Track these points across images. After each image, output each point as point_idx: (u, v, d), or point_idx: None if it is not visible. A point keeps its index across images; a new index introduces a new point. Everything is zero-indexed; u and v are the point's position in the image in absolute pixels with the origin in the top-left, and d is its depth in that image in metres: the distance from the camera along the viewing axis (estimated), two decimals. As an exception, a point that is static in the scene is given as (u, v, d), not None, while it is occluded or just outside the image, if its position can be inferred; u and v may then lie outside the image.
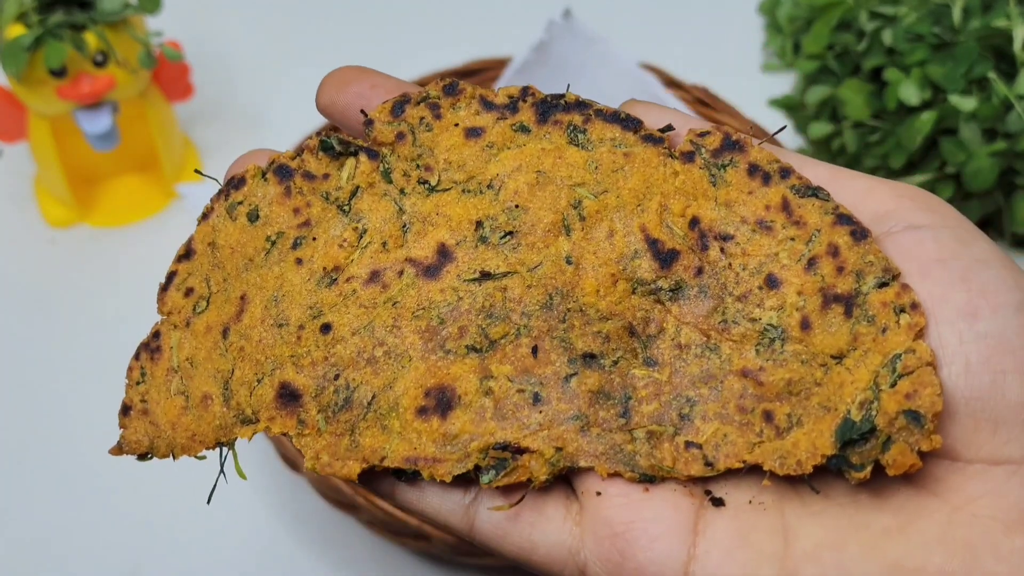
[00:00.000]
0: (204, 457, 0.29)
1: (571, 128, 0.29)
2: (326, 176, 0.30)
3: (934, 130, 0.62)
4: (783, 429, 0.26)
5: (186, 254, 0.30)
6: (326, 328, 0.28)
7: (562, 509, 0.27)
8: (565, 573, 0.27)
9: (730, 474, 0.27)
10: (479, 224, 0.29)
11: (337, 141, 0.30)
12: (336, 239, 0.29)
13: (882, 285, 0.26)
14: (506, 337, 0.28)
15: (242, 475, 0.31)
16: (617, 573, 0.26)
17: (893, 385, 0.25)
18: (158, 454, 0.29)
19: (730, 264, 0.28)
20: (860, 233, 0.27)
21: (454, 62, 0.69)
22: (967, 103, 0.60)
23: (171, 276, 0.30)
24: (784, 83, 0.74)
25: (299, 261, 0.29)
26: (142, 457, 0.29)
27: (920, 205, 0.27)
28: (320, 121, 0.66)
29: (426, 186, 0.29)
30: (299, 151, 0.30)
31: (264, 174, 0.30)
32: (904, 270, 0.26)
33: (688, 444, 0.27)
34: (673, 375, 0.28)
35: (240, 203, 0.30)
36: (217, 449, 0.29)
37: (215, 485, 0.30)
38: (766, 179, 0.28)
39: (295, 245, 0.29)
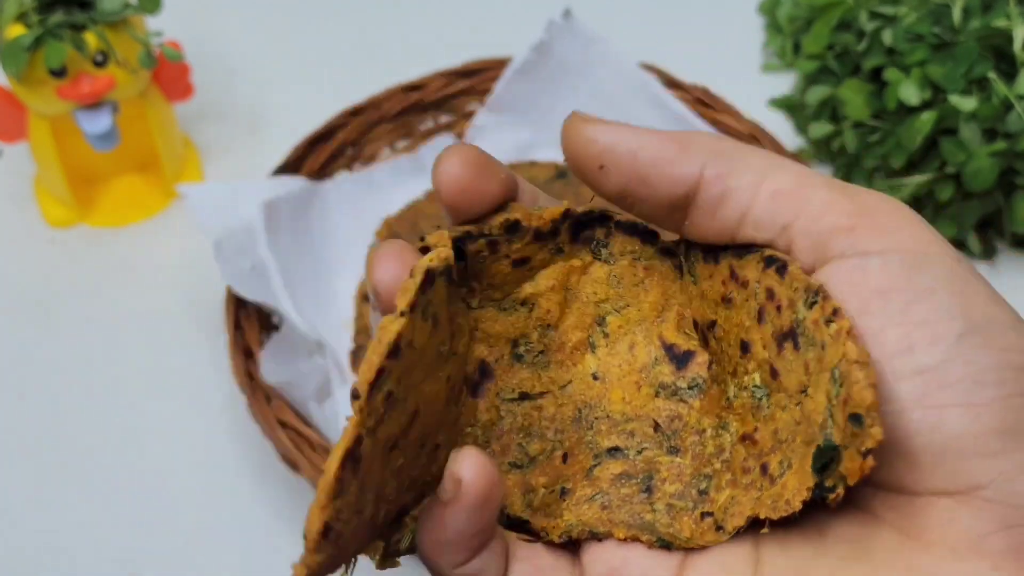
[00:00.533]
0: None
1: (595, 244, 0.29)
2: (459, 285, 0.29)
3: (934, 130, 0.62)
4: (776, 476, 0.27)
5: (394, 351, 0.25)
6: (436, 448, 0.28)
7: (568, 566, 0.28)
8: None
9: (737, 535, 0.28)
10: (515, 344, 0.29)
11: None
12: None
13: (811, 305, 0.26)
14: (543, 454, 0.29)
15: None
16: None
17: (837, 395, 0.25)
18: (333, 567, 0.26)
19: (721, 348, 0.29)
20: (782, 267, 0.26)
21: (454, 62, 0.69)
22: (967, 103, 0.61)
23: (380, 373, 0.25)
24: (784, 83, 0.74)
25: (446, 377, 0.27)
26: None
27: (876, 225, 0.26)
28: (319, 122, 0.66)
29: (464, 304, 0.29)
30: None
31: (438, 277, 0.27)
32: (848, 302, 0.25)
33: (704, 514, 0.28)
34: (694, 459, 0.28)
35: (430, 303, 0.26)
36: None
37: None
38: (716, 258, 0.28)
39: (450, 358, 0.28)
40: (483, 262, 0.29)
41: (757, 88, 0.74)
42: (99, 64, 0.60)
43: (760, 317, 0.27)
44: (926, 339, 0.25)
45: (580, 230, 0.29)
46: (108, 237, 0.68)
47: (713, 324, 0.29)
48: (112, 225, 0.68)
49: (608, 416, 0.29)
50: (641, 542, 0.28)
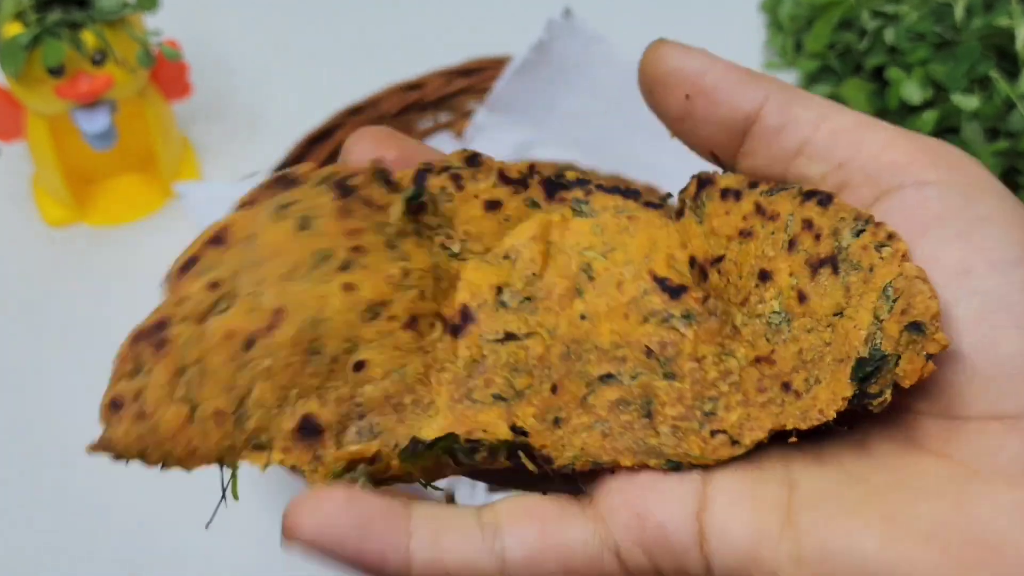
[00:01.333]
0: (192, 471, 0.27)
1: (575, 202, 0.30)
2: (381, 208, 0.29)
3: (936, 129, 0.62)
4: (802, 392, 0.27)
5: (217, 239, 0.27)
6: (360, 366, 0.27)
7: (576, 506, 0.27)
8: (605, 568, 0.26)
9: (758, 449, 0.27)
10: (499, 290, 0.29)
11: (387, 176, 0.29)
12: (384, 273, 0.28)
13: (859, 233, 0.26)
14: (530, 387, 0.28)
15: (235, 496, 0.29)
16: (642, 539, 0.26)
17: (891, 310, 0.25)
18: (148, 461, 0.27)
19: (728, 280, 0.28)
20: (825, 199, 0.27)
21: (453, 61, 0.69)
22: (969, 102, 0.60)
23: (193, 260, 0.26)
24: (785, 82, 0.74)
25: (347, 287, 0.27)
26: (119, 458, 0.27)
27: (934, 160, 0.27)
28: (318, 121, 0.65)
29: (447, 252, 0.29)
30: (352, 172, 0.28)
31: (322, 182, 0.28)
32: (904, 229, 0.26)
33: (714, 432, 0.27)
34: (694, 384, 0.28)
35: (290, 205, 0.27)
36: (217, 468, 0.27)
37: (216, 509, 0.29)
38: (737, 196, 0.29)
39: (344, 267, 0.27)
40: (452, 201, 0.29)
41: (758, 87, 0.73)
42: (97, 63, 0.59)
43: (791, 246, 0.28)
44: (984, 263, 0.25)
45: (555, 190, 0.30)
46: (106, 236, 0.68)
47: (720, 259, 0.29)
48: (110, 224, 0.68)
49: (597, 347, 0.28)
50: (649, 467, 0.27)
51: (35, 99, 0.61)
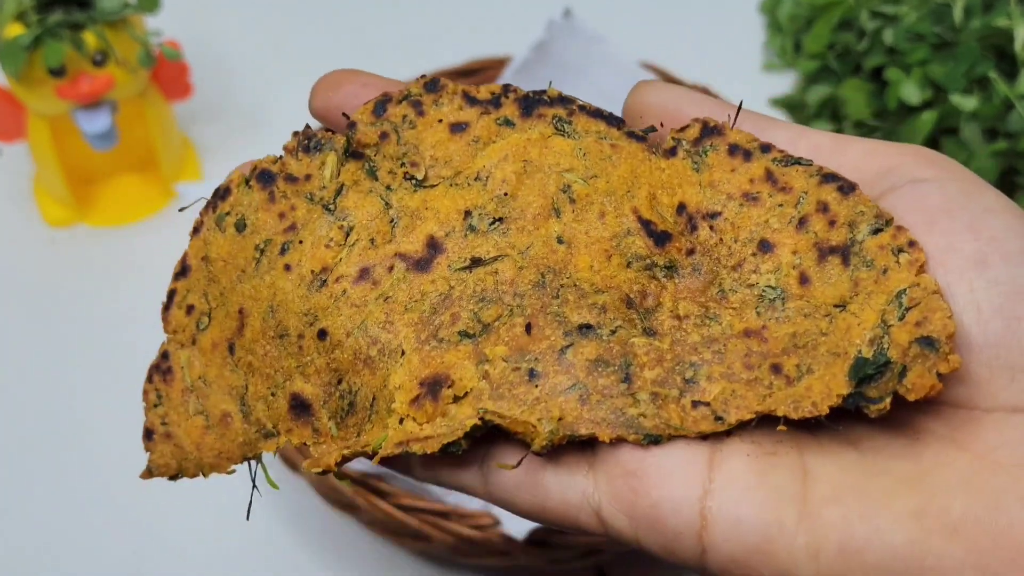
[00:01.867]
0: (234, 471, 0.29)
1: (556, 120, 0.29)
2: (308, 177, 0.29)
3: (935, 130, 0.62)
4: (793, 378, 0.26)
5: (182, 271, 0.30)
6: (323, 334, 0.28)
7: (576, 457, 0.27)
8: (580, 519, 0.26)
9: (743, 429, 0.26)
10: (467, 214, 0.28)
11: (314, 136, 0.29)
12: (323, 240, 0.28)
13: (876, 231, 0.26)
14: (499, 319, 0.27)
15: (273, 485, 0.30)
16: (631, 512, 0.26)
17: (902, 318, 0.25)
18: (187, 474, 0.29)
19: (721, 239, 0.28)
20: (847, 187, 0.27)
21: (454, 62, 0.69)
22: (968, 103, 0.60)
23: (171, 295, 0.30)
24: (785, 82, 0.74)
25: (288, 267, 0.28)
26: (173, 478, 0.29)
27: (924, 160, 0.27)
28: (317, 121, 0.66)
29: (412, 182, 0.29)
30: (271, 159, 0.30)
31: (248, 181, 0.30)
32: (909, 222, 0.26)
33: (695, 403, 0.27)
34: (674, 344, 0.27)
35: (227, 214, 0.30)
36: (245, 464, 0.29)
37: (251, 500, 0.30)
38: (747, 156, 0.28)
39: (283, 251, 0.29)
40: (414, 128, 0.29)
41: (758, 87, 0.74)
42: (98, 63, 0.59)
43: (801, 225, 0.27)
44: (998, 254, 0.25)
45: (533, 107, 0.29)
46: (107, 236, 0.68)
47: (716, 215, 0.28)
48: (111, 224, 0.68)
49: (576, 285, 0.28)
50: (627, 442, 0.26)
51: (36, 100, 0.61)
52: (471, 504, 0.53)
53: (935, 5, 0.65)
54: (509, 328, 0.27)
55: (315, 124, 0.32)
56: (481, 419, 0.26)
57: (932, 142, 0.62)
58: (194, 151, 0.71)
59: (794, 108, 0.72)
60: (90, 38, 0.59)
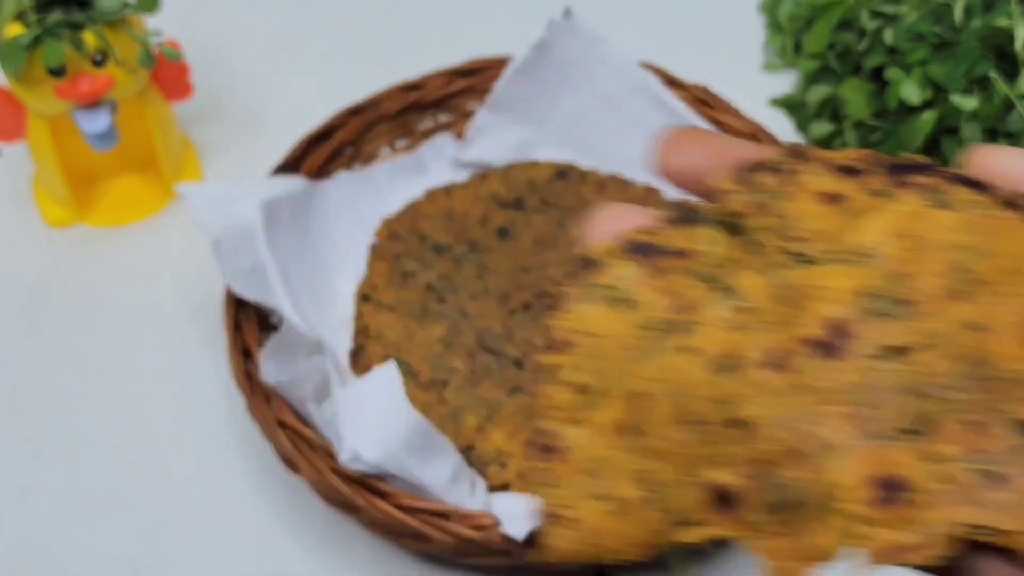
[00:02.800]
0: (642, 559, 0.28)
1: (927, 190, 0.27)
2: (690, 252, 0.27)
3: (935, 129, 0.62)
4: None
5: (561, 345, 0.27)
6: (739, 423, 0.26)
7: None
8: None
9: None
10: (862, 294, 0.26)
11: (690, 208, 0.27)
12: (722, 320, 0.26)
13: None
14: (936, 415, 0.25)
15: None
16: None
17: None
18: (585, 559, 0.27)
19: None
20: None
21: (454, 61, 0.69)
22: (968, 102, 0.60)
23: (551, 368, 0.27)
24: (785, 82, 0.74)
25: (687, 349, 0.26)
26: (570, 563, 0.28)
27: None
28: (318, 121, 0.65)
29: (795, 258, 0.27)
30: (647, 231, 0.28)
31: (626, 253, 0.27)
32: None
33: None
34: None
35: (603, 287, 0.27)
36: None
37: None
38: None
39: (679, 331, 0.27)
40: (785, 199, 0.27)
41: (758, 87, 0.74)
42: (98, 63, 0.59)
43: None
44: None
45: (902, 174, 0.27)
46: (107, 237, 0.68)
47: None
48: (111, 225, 0.68)
49: (1002, 377, 0.25)
50: None
51: (36, 99, 0.61)
52: (471, 504, 0.53)
53: (935, 5, 0.65)
54: (951, 425, 0.25)
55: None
56: (969, 529, 0.25)
57: (932, 142, 0.62)
58: (194, 151, 0.71)
59: (794, 108, 0.72)
60: (90, 38, 0.59)
